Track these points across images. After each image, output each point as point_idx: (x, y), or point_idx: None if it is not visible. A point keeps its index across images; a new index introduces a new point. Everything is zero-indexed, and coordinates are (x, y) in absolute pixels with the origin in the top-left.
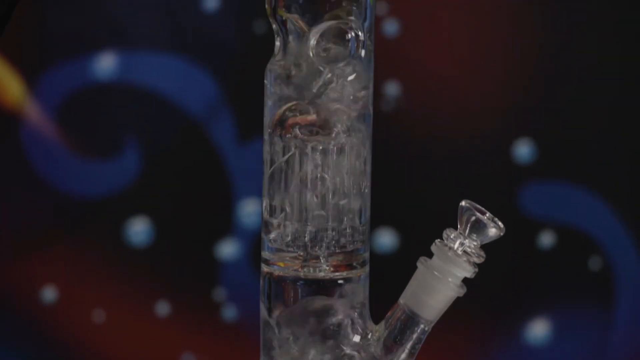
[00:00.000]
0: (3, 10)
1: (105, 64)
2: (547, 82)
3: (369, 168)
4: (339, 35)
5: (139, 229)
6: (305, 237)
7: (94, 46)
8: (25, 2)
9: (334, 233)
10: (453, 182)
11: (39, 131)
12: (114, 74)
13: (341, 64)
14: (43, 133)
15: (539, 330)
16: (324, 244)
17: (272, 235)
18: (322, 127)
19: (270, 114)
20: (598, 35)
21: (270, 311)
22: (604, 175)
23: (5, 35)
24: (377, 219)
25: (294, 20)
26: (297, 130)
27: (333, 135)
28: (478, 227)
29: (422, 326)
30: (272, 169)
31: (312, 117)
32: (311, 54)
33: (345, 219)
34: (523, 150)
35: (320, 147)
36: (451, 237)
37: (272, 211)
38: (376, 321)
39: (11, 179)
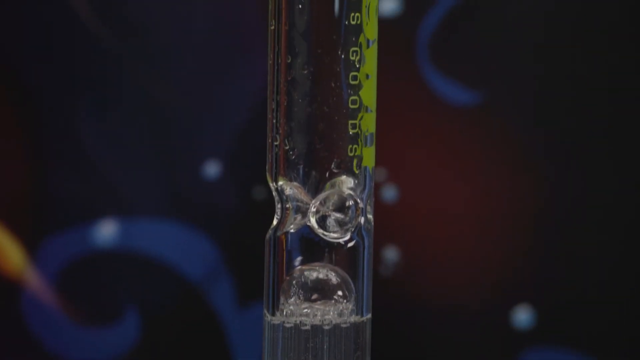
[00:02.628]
0: None
1: (106, 231)
2: (547, 248)
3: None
4: (339, 203)
5: None
6: None
7: (94, 213)
8: (25, 169)
9: None
10: (452, 348)
11: (39, 298)
12: (114, 241)
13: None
14: (43, 300)
15: None
16: None
17: None
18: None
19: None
20: (600, 198)
21: None
22: (605, 341)
23: (5, 202)
24: None
25: (294, 188)
26: None
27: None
28: None
29: None
30: None
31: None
32: (312, 221)
33: None
34: (522, 316)
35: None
36: None
37: None
38: None
39: (11, 346)
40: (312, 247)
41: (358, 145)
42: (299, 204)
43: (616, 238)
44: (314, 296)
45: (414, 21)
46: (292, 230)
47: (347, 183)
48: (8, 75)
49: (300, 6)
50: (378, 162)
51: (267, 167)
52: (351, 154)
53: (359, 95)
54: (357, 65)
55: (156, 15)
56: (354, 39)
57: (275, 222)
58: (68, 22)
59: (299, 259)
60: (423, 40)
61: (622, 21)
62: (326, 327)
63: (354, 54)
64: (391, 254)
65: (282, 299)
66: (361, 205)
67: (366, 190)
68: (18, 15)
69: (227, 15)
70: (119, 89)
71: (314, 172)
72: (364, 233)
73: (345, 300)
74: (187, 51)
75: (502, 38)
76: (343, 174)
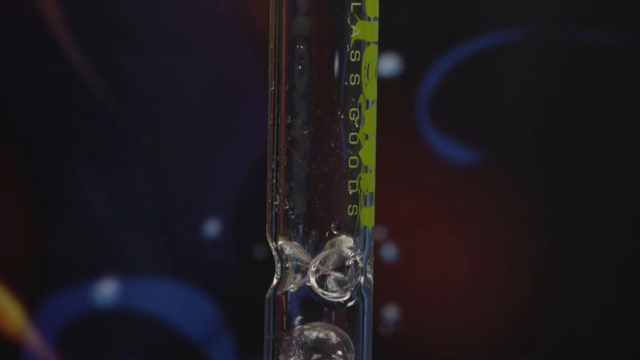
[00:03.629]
0: None
1: (106, 290)
2: (547, 306)
3: None
4: (339, 263)
5: None
6: None
7: (94, 273)
8: (25, 228)
9: None
10: None
11: (39, 358)
12: (114, 300)
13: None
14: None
15: None
16: None
17: None
18: None
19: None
20: (599, 254)
21: None
22: None
23: (5, 261)
24: None
25: (294, 247)
26: None
27: None
28: None
29: None
30: None
31: None
32: (312, 281)
33: None
34: None
35: None
36: None
37: None
38: None
39: None
40: (312, 306)
41: (358, 205)
42: (299, 263)
43: (616, 292)
44: (314, 356)
45: (414, 81)
46: (292, 290)
47: (346, 242)
48: (8, 134)
49: (300, 67)
50: (377, 220)
51: (267, 227)
52: (351, 214)
53: (358, 155)
54: (357, 126)
55: (157, 75)
56: (353, 99)
57: (275, 281)
58: (69, 80)
59: (299, 318)
60: (423, 100)
61: (621, 78)
62: None
63: (354, 115)
64: (391, 313)
65: (281, 359)
66: (361, 264)
67: (366, 250)
68: (19, 72)
69: (228, 75)
70: (120, 149)
71: (313, 232)
72: (363, 292)
73: None
74: (187, 111)
75: (501, 97)
76: (343, 233)
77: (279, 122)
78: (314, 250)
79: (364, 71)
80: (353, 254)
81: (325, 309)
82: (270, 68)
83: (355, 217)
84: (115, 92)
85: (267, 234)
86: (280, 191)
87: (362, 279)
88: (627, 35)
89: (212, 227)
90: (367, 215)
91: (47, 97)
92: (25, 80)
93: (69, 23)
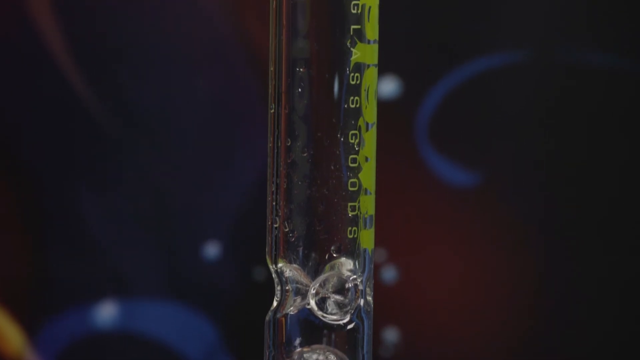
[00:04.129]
0: None
1: (106, 312)
2: (548, 327)
3: None
4: (339, 285)
5: None
6: None
7: (94, 295)
8: (24, 250)
9: None
10: None
11: None
12: (114, 323)
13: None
14: None
15: None
16: None
17: None
18: None
19: None
20: (597, 277)
21: None
22: None
23: (5, 283)
24: None
25: (294, 270)
26: None
27: None
28: None
29: None
30: None
31: None
32: (312, 303)
33: None
34: None
35: None
36: None
37: None
38: None
39: None
40: (312, 329)
41: (357, 227)
42: (299, 285)
43: (610, 312)
44: None
45: (413, 103)
46: (292, 312)
47: (346, 265)
48: (7, 157)
49: (300, 90)
50: (377, 242)
51: (266, 249)
52: (351, 236)
53: (358, 178)
54: (357, 148)
55: (157, 97)
56: (353, 122)
57: (275, 303)
58: (68, 102)
59: (299, 340)
60: (422, 122)
61: (622, 101)
62: None
63: (353, 137)
64: (391, 335)
65: None
66: (361, 287)
67: (366, 272)
68: (17, 93)
69: (228, 97)
70: (119, 171)
71: (313, 254)
72: (363, 315)
73: None
74: (187, 132)
75: (500, 119)
76: (343, 256)
77: (279, 144)
78: (314, 273)
79: (363, 94)
80: (353, 277)
81: (325, 331)
82: (270, 90)
83: (355, 239)
84: (115, 113)
85: (267, 256)
86: (280, 214)
87: (362, 302)
88: (627, 58)
89: (212, 249)
90: (367, 238)
91: (46, 118)
92: (24, 101)
93: (68, 44)
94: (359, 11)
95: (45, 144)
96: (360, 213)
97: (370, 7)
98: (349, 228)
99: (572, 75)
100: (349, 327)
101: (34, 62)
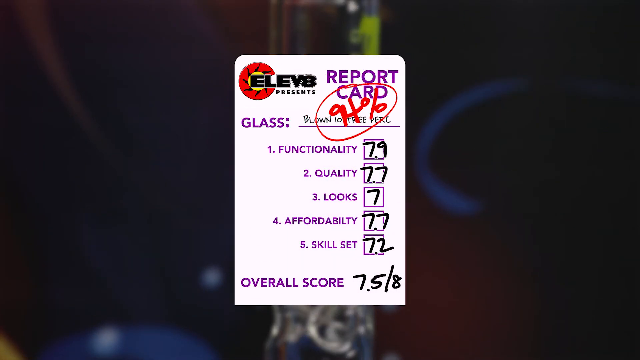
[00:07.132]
0: None
1: (106, 339)
2: (550, 354)
3: None
4: (339, 313)
5: None
6: None
7: (94, 322)
8: (24, 277)
9: None
10: None
11: None
12: (114, 350)
13: None
14: None
15: None
16: None
17: None
18: None
19: None
20: (596, 303)
21: None
22: None
23: (5, 310)
24: None
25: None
26: None
27: None
28: None
29: None
30: None
31: None
32: (312, 331)
33: None
34: None
35: None
36: None
37: None
38: None
39: None
40: (312, 356)
41: None
42: (299, 313)
43: (607, 342)
44: None
45: (414, 131)
46: (291, 340)
47: None
48: (8, 185)
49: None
50: None
51: None
52: None
53: None
54: None
55: (157, 127)
56: None
57: (275, 331)
58: (69, 132)
59: None
60: (422, 150)
61: (622, 130)
62: None
63: None
64: None
65: None
66: (361, 315)
67: None
68: (18, 124)
69: (227, 125)
70: (119, 199)
71: None
72: (363, 342)
73: None
74: (187, 161)
75: (501, 148)
76: None
77: None
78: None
79: None
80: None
81: (325, 358)
82: None
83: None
84: (115, 143)
85: None
86: None
87: (362, 329)
88: (627, 87)
89: (211, 276)
90: None
91: (46, 148)
92: (25, 132)
93: (70, 75)
94: (360, 41)
95: (45, 172)
96: None
97: (370, 37)
98: None
99: (573, 104)
100: (349, 354)
101: (36, 91)
